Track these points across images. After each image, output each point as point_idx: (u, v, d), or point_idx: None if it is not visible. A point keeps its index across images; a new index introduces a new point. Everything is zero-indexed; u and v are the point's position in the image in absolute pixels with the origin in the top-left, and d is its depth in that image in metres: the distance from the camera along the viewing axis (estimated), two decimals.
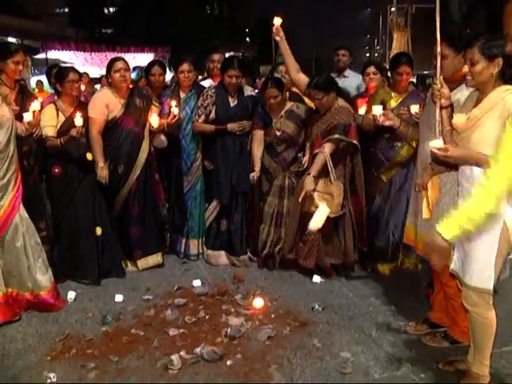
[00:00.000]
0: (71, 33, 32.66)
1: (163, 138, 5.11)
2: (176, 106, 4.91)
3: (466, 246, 3.07)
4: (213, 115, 5.15)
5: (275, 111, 5.05)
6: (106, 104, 4.90)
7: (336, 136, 4.64)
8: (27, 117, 4.07)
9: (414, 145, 4.63)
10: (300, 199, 4.70)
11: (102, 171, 4.80)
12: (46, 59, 17.38)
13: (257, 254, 5.27)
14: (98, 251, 4.90)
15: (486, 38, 2.94)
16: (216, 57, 5.75)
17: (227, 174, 5.19)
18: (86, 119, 4.71)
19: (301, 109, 5.06)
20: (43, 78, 15.92)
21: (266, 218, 5.12)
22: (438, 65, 3.45)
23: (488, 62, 2.92)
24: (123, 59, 5.08)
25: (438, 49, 3.41)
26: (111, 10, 37.87)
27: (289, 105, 5.08)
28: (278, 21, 4.55)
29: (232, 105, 5.18)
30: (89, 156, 4.80)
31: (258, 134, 5.12)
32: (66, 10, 37.82)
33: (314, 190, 4.62)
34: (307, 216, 4.67)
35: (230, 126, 5.07)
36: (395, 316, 4.20)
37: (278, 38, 4.64)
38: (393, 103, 4.81)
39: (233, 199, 5.27)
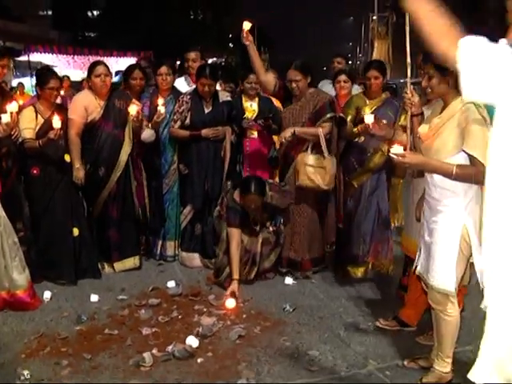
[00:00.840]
0: (54, 35, 32.53)
1: (151, 131, 5.16)
2: (162, 105, 4.98)
3: (429, 247, 3.21)
4: (188, 121, 5.25)
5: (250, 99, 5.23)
6: (85, 106, 4.97)
7: (329, 115, 4.82)
8: (5, 118, 4.11)
9: (386, 151, 4.75)
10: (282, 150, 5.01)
11: (78, 172, 4.88)
12: (29, 62, 17.33)
13: None
14: (74, 252, 4.96)
15: None
16: (192, 55, 5.79)
17: (201, 180, 5.29)
18: (65, 122, 4.78)
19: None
20: (25, 81, 15.95)
21: None
22: (409, 74, 3.60)
23: (442, 75, 3.06)
24: (104, 64, 5.15)
25: (408, 59, 3.55)
26: (95, 13, 37.79)
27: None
28: (247, 25, 4.65)
29: (206, 111, 5.28)
30: (67, 158, 4.87)
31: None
32: (50, 12, 37.66)
33: (307, 165, 4.75)
34: (302, 191, 4.86)
35: (204, 131, 5.17)
36: (364, 317, 4.31)
37: (247, 42, 4.73)
38: (367, 110, 4.92)
39: (206, 204, 5.35)
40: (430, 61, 3.09)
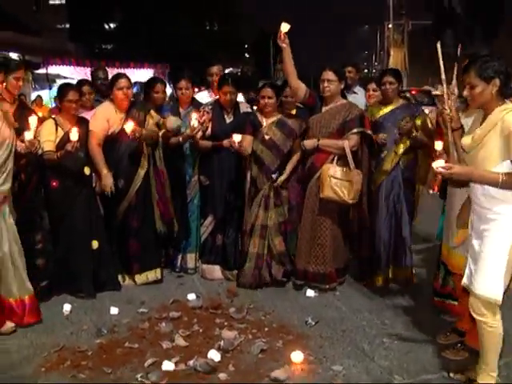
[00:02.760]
0: (71, 48, 32.85)
1: (174, 117, 5.13)
2: (196, 119, 4.95)
3: (478, 255, 3.17)
4: (209, 131, 5.22)
5: (267, 116, 5.10)
6: (107, 118, 4.98)
7: (356, 130, 4.77)
8: (28, 136, 4.12)
9: (400, 152, 4.81)
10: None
11: (106, 179, 4.86)
12: (47, 74, 17.45)
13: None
14: (93, 265, 4.95)
15: (481, 61, 3.06)
16: (214, 69, 5.80)
17: (222, 190, 5.27)
18: (85, 134, 4.79)
19: (293, 122, 5.11)
20: (43, 93, 16.08)
21: (249, 229, 5.11)
22: (445, 90, 3.60)
23: (485, 83, 3.04)
24: (127, 76, 5.14)
25: (443, 76, 3.54)
26: (111, 25, 38.14)
27: (281, 115, 5.14)
28: (285, 27, 4.55)
29: (228, 121, 5.27)
30: (86, 170, 4.87)
31: (248, 139, 5.04)
32: (67, 25, 38.10)
33: (332, 177, 4.68)
34: (324, 202, 4.79)
35: (225, 142, 5.13)
36: (388, 330, 4.22)
37: (283, 45, 4.66)
38: (378, 114, 4.94)
39: (227, 214, 5.32)
40: (472, 70, 3.07)
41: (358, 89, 6.25)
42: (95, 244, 4.95)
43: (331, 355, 3.82)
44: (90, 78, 6.54)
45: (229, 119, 5.29)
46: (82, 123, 4.90)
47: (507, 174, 2.98)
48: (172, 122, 5.09)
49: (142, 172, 5.08)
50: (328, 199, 4.75)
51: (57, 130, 4.80)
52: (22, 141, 4.22)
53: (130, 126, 4.75)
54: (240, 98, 6.04)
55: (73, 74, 18.25)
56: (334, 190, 4.68)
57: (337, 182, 4.69)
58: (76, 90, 4.92)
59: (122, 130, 4.94)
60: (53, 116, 5.05)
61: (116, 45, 34.70)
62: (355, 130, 4.78)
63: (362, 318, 4.46)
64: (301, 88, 4.90)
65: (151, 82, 5.66)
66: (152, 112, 5.21)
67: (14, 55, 21.64)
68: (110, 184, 4.88)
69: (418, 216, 5.52)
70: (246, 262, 5.10)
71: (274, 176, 5.03)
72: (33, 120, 4.17)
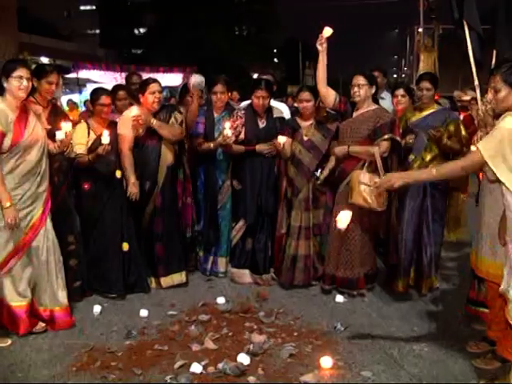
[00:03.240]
0: (101, 53, 33.35)
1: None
2: (230, 128, 5.00)
3: None
4: (242, 136, 5.25)
5: (306, 119, 5.13)
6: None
7: (387, 136, 4.74)
8: (59, 135, 4.21)
9: (428, 159, 4.81)
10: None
11: (133, 187, 4.90)
12: (77, 78, 17.72)
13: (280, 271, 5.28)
14: (124, 266, 5.00)
15: (507, 66, 3.01)
16: (218, 88, 5.51)
17: (254, 194, 5.28)
18: (116, 138, 4.85)
19: (330, 123, 5.12)
20: (74, 97, 16.32)
21: (294, 232, 5.13)
22: (478, 96, 3.58)
23: (510, 88, 2.99)
24: (158, 81, 5.15)
25: (476, 82, 3.52)
26: (141, 30, 38.54)
27: (318, 118, 5.16)
28: (327, 32, 4.57)
29: (261, 126, 5.29)
30: (118, 173, 4.93)
31: (288, 141, 5.07)
32: (97, 31, 38.64)
33: (362, 183, 4.65)
34: (354, 208, 4.72)
35: (258, 147, 5.18)
36: (417, 337, 4.18)
37: (320, 48, 4.67)
38: (413, 119, 4.92)
39: (258, 219, 5.33)
40: (497, 74, 3.03)
41: (385, 94, 6.14)
42: (126, 246, 5.00)
43: (360, 361, 3.80)
44: (120, 83, 6.61)
45: (262, 124, 5.31)
46: (114, 127, 4.96)
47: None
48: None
49: (163, 172, 5.10)
50: (357, 205, 4.73)
51: (89, 133, 4.87)
52: (54, 142, 4.31)
53: (134, 111, 4.82)
54: (281, 105, 5.97)
55: (102, 78, 18.48)
56: (363, 197, 4.65)
57: (366, 188, 4.65)
58: (108, 95, 4.99)
59: (148, 133, 5.00)
60: (85, 120, 5.10)
61: (145, 49, 35.03)
62: (386, 137, 4.76)
63: (391, 324, 4.42)
64: (330, 94, 4.91)
65: (187, 87, 5.68)
66: (177, 113, 5.23)
67: (45, 60, 22.06)
68: (135, 192, 4.92)
69: (463, 226, 5.43)
70: (296, 263, 5.12)
71: (316, 174, 5.04)
72: (67, 125, 4.27)
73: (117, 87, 5.82)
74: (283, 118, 5.43)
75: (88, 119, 5.05)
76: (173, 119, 5.15)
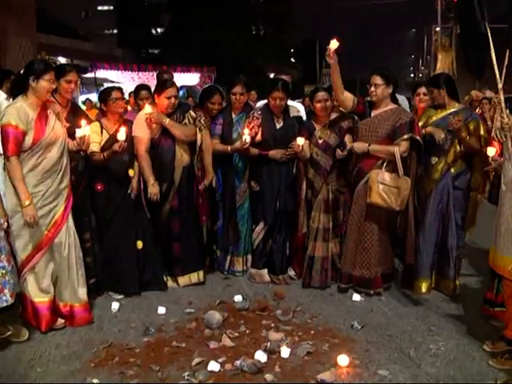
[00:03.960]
0: (119, 53, 33.56)
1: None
2: (248, 134, 5.00)
3: None
4: (259, 137, 5.23)
5: (320, 119, 5.13)
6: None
7: (407, 136, 4.73)
8: (79, 133, 4.27)
9: (450, 161, 4.80)
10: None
11: (153, 188, 4.92)
12: (95, 78, 17.82)
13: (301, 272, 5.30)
14: (138, 264, 5.02)
15: None
16: (283, 77, 5.71)
17: (273, 195, 5.25)
18: (130, 136, 4.86)
19: (343, 120, 5.12)
20: (92, 97, 16.42)
21: (312, 234, 5.13)
22: (502, 98, 3.57)
23: None
24: (176, 86, 5.13)
25: (500, 85, 3.51)
26: (158, 30, 38.73)
27: (333, 115, 5.15)
28: (334, 44, 4.56)
29: (278, 127, 5.27)
30: (131, 172, 4.94)
31: (307, 143, 5.05)
32: (115, 31, 38.87)
33: (381, 183, 4.66)
34: (371, 207, 4.78)
35: (272, 153, 5.16)
36: (434, 336, 4.17)
37: (331, 62, 4.67)
38: (434, 118, 4.92)
39: (277, 219, 5.32)
40: None
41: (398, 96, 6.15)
42: (140, 244, 5.02)
43: (377, 360, 3.80)
44: (138, 82, 6.63)
45: (279, 124, 5.28)
46: (128, 124, 4.93)
47: None
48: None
49: (178, 173, 5.11)
50: (375, 205, 4.73)
51: (102, 132, 4.87)
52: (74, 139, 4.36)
53: (147, 109, 4.82)
54: (297, 105, 5.97)
55: (120, 78, 18.60)
56: (382, 197, 4.65)
57: (385, 188, 4.65)
58: (118, 89, 4.97)
59: (163, 134, 5.01)
60: (98, 119, 5.11)
61: (162, 49, 35.19)
62: (406, 136, 4.74)
63: (407, 323, 4.42)
64: (348, 99, 4.90)
65: (209, 93, 5.59)
66: (190, 112, 5.23)
67: (62, 60, 22.24)
68: (156, 193, 4.94)
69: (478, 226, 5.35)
70: (313, 265, 5.13)
71: (338, 151, 4.97)
72: (86, 129, 4.32)
73: (139, 87, 5.84)
74: (300, 118, 5.43)
75: (101, 119, 5.03)
76: (186, 120, 5.16)
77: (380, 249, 4.96)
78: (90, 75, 18.27)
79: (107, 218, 4.95)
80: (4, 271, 3.92)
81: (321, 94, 5.05)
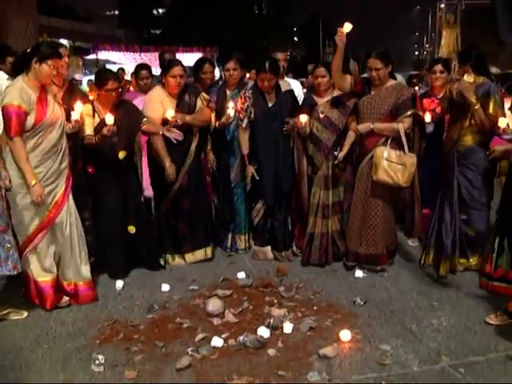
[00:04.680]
0: (120, 34, 33.39)
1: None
2: (232, 108, 5.01)
3: None
4: (253, 116, 5.18)
5: (321, 94, 5.11)
6: (160, 102, 5.01)
7: (410, 112, 4.74)
8: (74, 116, 4.28)
9: (455, 137, 4.78)
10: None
11: (170, 169, 4.94)
12: (97, 60, 17.78)
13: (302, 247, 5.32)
14: (128, 249, 5.02)
15: None
16: (279, 55, 5.67)
17: (270, 175, 5.21)
18: (125, 116, 4.81)
19: (347, 98, 5.06)
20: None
21: (312, 210, 5.13)
22: None
23: None
24: (181, 64, 5.09)
25: None
26: (160, 10, 38.46)
27: (337, 91, 5.11)
28: (347, 27, 4.52)
29: (270, 105, 5.21)
30: (121, 154, 4.83)
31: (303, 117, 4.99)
32: (116, 12, 38.63)
33: (387, 160, 4.66)
34: (376, 184, 4.80)
35: (249, 167, 5.19)
36: (436, 312, 4.20)
37: (339, 43, 4.62)
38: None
39: (277, 199, 5.32)
40: None
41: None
42: (132, 229, 5.00)
43: (379, 335, 3.83)
44: (138, 63, 6.62)
45: (271, 102, 5.21)
46: (121, 106, 4.89)
47: None
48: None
49: (192, 154, 5.13)
50: (381, 182, 4.74)
51: (94, 116, 4.80)
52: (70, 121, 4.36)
53: (170, 113, 4.82)
54: (295, 83, 5.96)
55: (122, 59, 18.53)
56: (389, 174, 4.66)
57: (391, 165, 4.66)
58: (115, 79, 4.83)
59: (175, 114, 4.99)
60: (90, 101, 5.03)
61: (164, 29, 34.97)
62: (409, 113, 4.74)
63: (410, 299, 4.45)
64: (345, 81, 4.89)
65: (199, 63, 5.67)
66: (203, 94, 5.24)
67: (64, 41, 22.14)
68: (172, 173, 4.95)
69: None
70: (312, 241, 5.15)
71: (335, 153, 5.02)
72: (77, 106, 4.30)
73: (139, 66, 5.82)
74: (292, 91, 5.39)
75: (94, 101, 4.93)
76: (199, 103, 5.18)
77: (385, 225, 4.99)
78: (92, 57, 18.23)
79: (99, 200, 4.93)
80: (9, 245, 4.00)
81: (318, 70, 5.03)
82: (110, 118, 4.46)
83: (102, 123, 4.65)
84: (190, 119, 5.03)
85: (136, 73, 5.71)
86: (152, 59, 16.85)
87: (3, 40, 10.85)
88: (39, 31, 12.47)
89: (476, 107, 4.58)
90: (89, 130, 4.73)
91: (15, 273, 4.06)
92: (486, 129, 4.65)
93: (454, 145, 4.79)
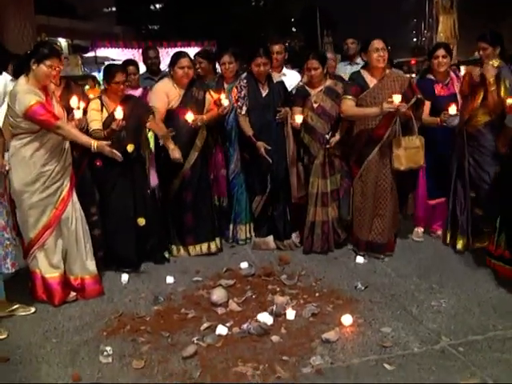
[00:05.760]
0: (118, 31, 33.34)
1: None
2: (226, 98, 5.07)
3: None
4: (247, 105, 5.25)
5: (314, 85, 5.17)
6: (166, 94, 5.12)
7: (414, 99, 4.83)
8: (77, 114, 4.32)
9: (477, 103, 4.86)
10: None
11: (174, 153, 5.01)
12: (95, 57, 17.82)
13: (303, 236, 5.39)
14: (138, 241, 5.09)
15: None
16: (276, 47, 5.75)
17: (265, 166, 5.24)
18: (131, 111, 4.86)
19: (339, 86, 5.17)
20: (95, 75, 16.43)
21: (311, 199, 5.20)
22: None
23: None
24: (188, 56, 5.22)
25: None
26: (157, 6, 38.37)
27: (328, 81, 5.20)
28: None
29: (264, 94, 5.29)
30: (129, 147, 4.90)
31: (297, 111, 5.14)
32: (114, 9, 38.56)
33: (407, 148, 4.77)
34: (386, 174, 4.97)
35: (259, 144, 5.13)
36: (435, 294, 4.27)
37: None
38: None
39: (275, 188, 5.37)
40: None
41: (359, 60, 6.21)
42: (142, 221, 5.05)
43: (380, 318, 3.91)
44: (137, 59, 6.67)
45: (264, 92, 5.29)
46: (128, 100, 4.97)
47: None
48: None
49: (197, 147, 5.22)
50: (407, 169, 4.86)
51: (102, 110, 4.89)
52: (71, 120, 4.43)
53: (190, 117, 4.86)
54: (293, 73, 6.09)
55: (120, 56, 18.54)
56: (412, 159, 4.79)
57: (410, 151, 4.77)
58: (123, 72, 4.96)
59: (180, 106, 5.10)
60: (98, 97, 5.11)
61: (162, 25, 34.92)
62: (413, 101, 4.81)
63: (410, 283, 4.52)
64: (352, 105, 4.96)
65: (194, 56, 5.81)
66: (212, 92, 5.34)
67: (62, 40, 22.17)
68: (178, 157, 5.02)
69: None
70: (314, 230, 5.23)
71: (326, 137, 5.09)
72: (74, 101, 4.32)
73: (127, 62, 5.89)
74: (282, 82, 5.45)
75: (102, 96, 5.04)
76: (207, 98, 5.29)
77: (392, 214, 5.09)
78: (90, 54, 18.27)
79: (106, 193, 5.00)
80: (8, 242, 4.06)
81: (311, 62, 5.08)
82: (119, 113, 4.52)
83: (111, 117, 4.73)
84: (207, 119, 5.15)
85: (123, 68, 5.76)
86: None
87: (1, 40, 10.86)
88: (38, 31, 12.50)
89: (492, 88, 4.68)
90: (97, 125, 4.81)
91: (13, 271, 4.12)
92: (497, 110, 4.74)
93: (464, 125, 4.90)
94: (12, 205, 4.34)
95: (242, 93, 5.23)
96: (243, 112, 5.25)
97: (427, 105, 5.06)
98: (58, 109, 4.27)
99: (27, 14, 11.92)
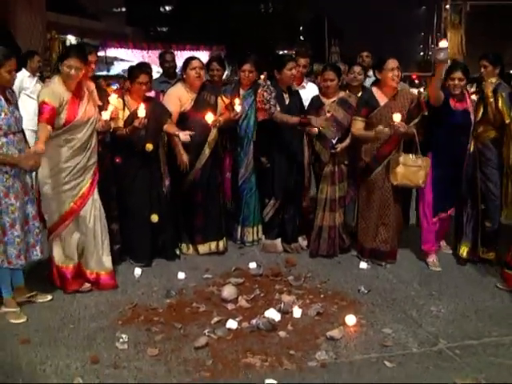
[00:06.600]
0: (128, 31, 33.51)
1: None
2: (239, 104, 5.25)
3: None
4: (278, 108, 5.39)
5: (329, 95, 5.38)
6: (178, 97, 5.32)
7: (418, 118, 5.03)
8: (105, 115, 4.49)
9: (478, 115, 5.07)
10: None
11: (182, 157, 5.24)
12: (105, 57, 18.03)
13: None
14: (152, 237, 5.30)
15: None
16: (302, 61, 5.99)
17: (283, 173, 5.47)
18: (150, 112, 5.02)
19: (352, 98, 5.36)
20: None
21: (320, 204, 5.40)
22: None
23: None
24: (199, 59, 5.45)
25: None
26: (167, 8, 38.57)
27: (342, 93, 5.41)
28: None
29: (287, 102, 5.51)
30: (149, 146, 5.10)
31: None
32: (124, 9, 38.76)
33: (405, 165, 4.91)
34: (392, 187, 5.10)
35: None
36: (435, 300, 4.48)
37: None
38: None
39: (288, 193, 5.56)
40: None
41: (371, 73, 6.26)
42: (155, 218, 5.24)
43: (382, 320, 4.12)
44: (146, 61, 6.88)
45: (287, 99, 5.50)
46: (149, 101, 5.14)
47: None
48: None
49: (207, 150, 5.41)
50: (401, 186, 5.03)
51: (124, 109, 5.09)
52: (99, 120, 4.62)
53: (210, 118, 5.02)
54: (312, 86, 6.25)
55: (129, 56, 18.77)
56: (408, 177, 4.92)
57: (408, 168, 4.92)
58: (146, 73, 5.14)
59: (192, 109, 5.30)
60: (120, 96, 5.25)
61: (172, 27, 35.09)
62: (416, 120, 5.01)
63: (411, 288, 4.73)
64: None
65: (208, 61, 5.97)
66: (224, 98, 5.54)
67: (72, 38, 22.38)
68: (185, 162, 5.25)
69: None
70: (321, 234, 5.41)
71: (333, 142, 5.27)
72: (141, 110, 4.63)
73: (144, 65, 6.07)
74: (297, 92, 5.68)
75: (124, 95, 5.24)
76: (219, 103, 5.48)
77: (396, 224, 5.27)
78: (100, 54, 18.46)
79: (125, 189, 5.19)
80: (38, 230, 4.27)
81: (327, 74, 5.30)
82: (142, 111, 4.70)
83: (133, 115, 4.90)
84: (223, 121, 5.32)
85: None
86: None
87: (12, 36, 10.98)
88: (48, 28, 12.66)
89: (491, 100, 4.92)
90: (119, 123, 5.00)
91: (41, 256, 4.34)
92: (496, 122, 4.95)
93: (475, 139, 5.10)
94: (39, 193, 4.57)
95: (273, 94, 5.37)
96: (278, 109, 5.37)
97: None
98: (88, 108, 4.44)
99: (38, 9, 12.06)
